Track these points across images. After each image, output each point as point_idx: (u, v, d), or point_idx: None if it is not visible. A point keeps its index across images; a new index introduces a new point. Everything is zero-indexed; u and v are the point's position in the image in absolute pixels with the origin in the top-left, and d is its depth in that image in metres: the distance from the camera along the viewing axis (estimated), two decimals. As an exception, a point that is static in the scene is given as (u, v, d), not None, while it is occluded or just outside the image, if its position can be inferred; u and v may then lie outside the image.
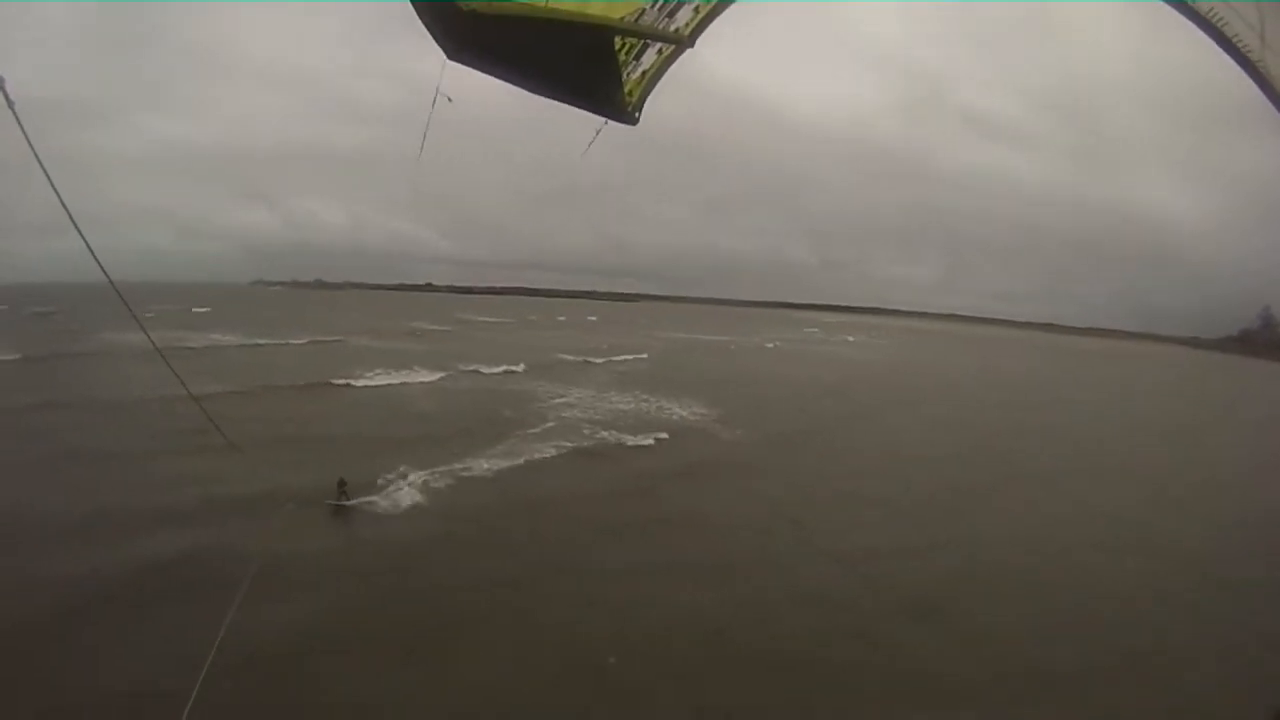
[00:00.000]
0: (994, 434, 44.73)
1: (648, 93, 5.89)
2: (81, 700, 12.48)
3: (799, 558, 21.39)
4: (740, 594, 18.42)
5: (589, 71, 5.47)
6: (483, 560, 19.57)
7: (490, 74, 4.97)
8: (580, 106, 5.70)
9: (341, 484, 22.89)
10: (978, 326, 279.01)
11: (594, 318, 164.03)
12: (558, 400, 44.60)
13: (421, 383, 49.75)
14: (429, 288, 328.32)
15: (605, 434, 35.77)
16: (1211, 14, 6.00)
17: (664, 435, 36.26)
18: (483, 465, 28.37)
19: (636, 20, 5.29)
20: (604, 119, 5.88)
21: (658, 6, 5.37)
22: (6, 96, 3.91)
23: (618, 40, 5.41)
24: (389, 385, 47.91)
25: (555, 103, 5.59)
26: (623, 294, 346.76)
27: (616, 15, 5.14)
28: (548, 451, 31.41)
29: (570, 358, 69.49)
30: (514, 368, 58.27)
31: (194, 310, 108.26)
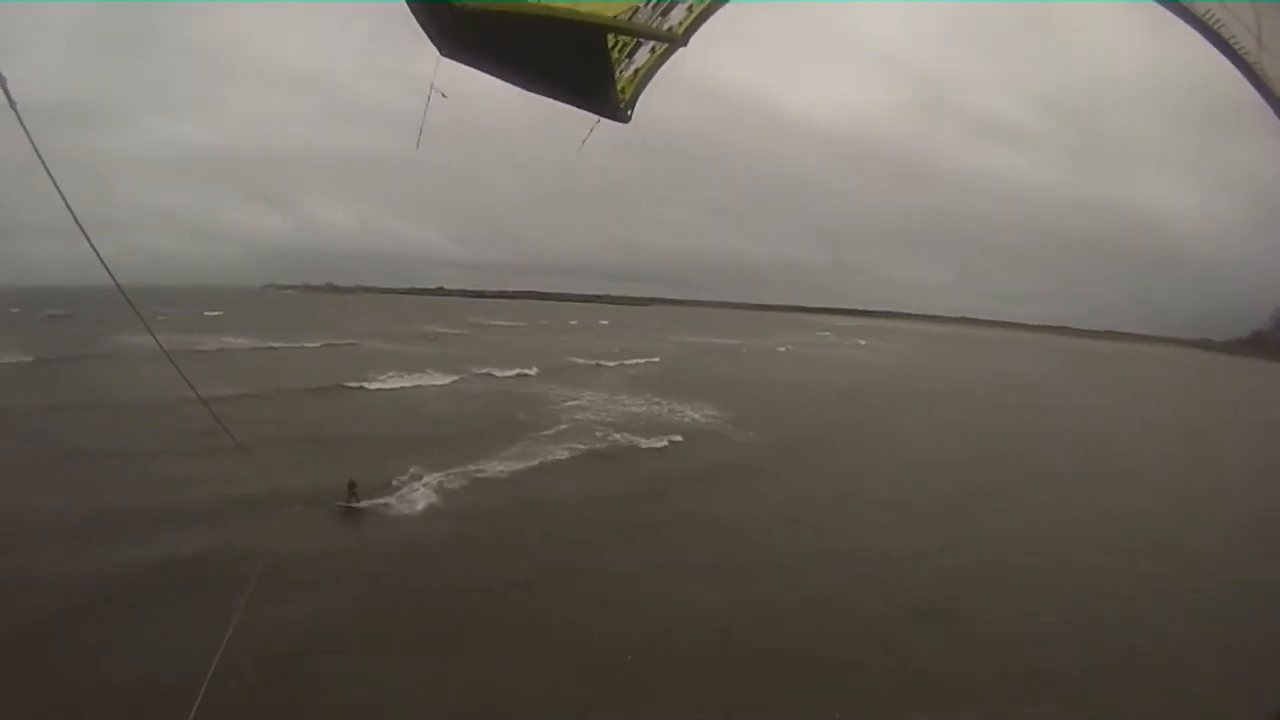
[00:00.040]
0: (1005, 437, 44.27)
1: (640, 91, 5.89)
2: (82, 700, 12.57)
3: (811, 560, 21.25)
4: (751, 595, 18.39)
5: (581, 69, 5.47)
6: (495, 562, 19.61)
7: (484, 71, 5.01)
8: (573, 104, 5.72)
9: (352, 486, 22.96)
10: (989, 330, 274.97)
11: (606, 322, 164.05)
12: (570, 403, 44.67)
13: (435, 386, 50.05)
14: (440, 291, 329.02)
15: (618, 436, 35.77)
16: (1208, 16, 5.93)
17: (677, 438, 36.19)
18: (496, 467, 28.45)
19: (630, 18, 5.29)
20: (597, 117, 5.89)
21: (651, 5, 5.35)
22: (8, 97, 3.89)
23: (610, 38, 5.41)
24: (402, 388, 48.23)
25: (555, 102, 5.62)
26: (635, 298, 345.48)
27: (609, 13, 5.14)
28: (561, 454, 31.46)
29: (583, 361, 69.57)
30: (527, 371, 58.48)
31: (206, 314, 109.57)
